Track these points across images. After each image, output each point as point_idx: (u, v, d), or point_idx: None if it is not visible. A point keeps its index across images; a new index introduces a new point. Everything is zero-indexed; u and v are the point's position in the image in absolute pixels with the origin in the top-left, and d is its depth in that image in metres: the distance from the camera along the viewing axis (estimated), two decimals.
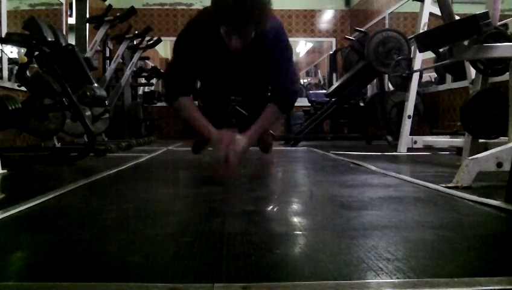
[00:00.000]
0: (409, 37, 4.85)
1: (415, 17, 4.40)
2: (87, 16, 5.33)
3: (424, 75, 5.24)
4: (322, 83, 10.11)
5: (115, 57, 5.26)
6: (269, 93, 1.97)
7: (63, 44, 3.03)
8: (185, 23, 2.09)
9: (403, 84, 4.12)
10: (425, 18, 3.78)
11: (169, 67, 2.01)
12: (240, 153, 1.82)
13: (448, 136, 4.04)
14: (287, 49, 1.97)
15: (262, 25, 1.69)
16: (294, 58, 11.02)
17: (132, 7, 4.89)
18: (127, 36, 5.29)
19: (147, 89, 7.64)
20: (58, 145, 3.73)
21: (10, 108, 2.61)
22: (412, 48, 4.41)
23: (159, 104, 7.41)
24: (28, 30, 2.85)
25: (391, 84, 4.76)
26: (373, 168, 2.49)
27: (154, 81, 7.60)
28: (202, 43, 1.83)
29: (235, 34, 1.70)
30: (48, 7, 5.75)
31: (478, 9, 2.06)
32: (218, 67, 1.96)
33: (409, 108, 3.91)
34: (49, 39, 2.87)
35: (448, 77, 5.08)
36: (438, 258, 0.88)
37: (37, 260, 0.90)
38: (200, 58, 1.90)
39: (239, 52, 1.81)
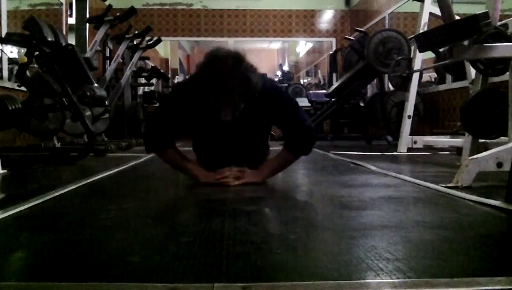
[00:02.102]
0: (409, 37, 4.85)
1: (415, 17, 4.40)
2: (87, 16, 5.33)
3: (424, 75, 5.24)
4: (322, 83, 10.11)
5: (115, 57, 5.25)
6: (284, 141, 1.93)
7: (63, 44, 3.03)
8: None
9: (403, 84, 4.11)
10: (425, 18, 3.78)
11: (152, 119, 1.95)
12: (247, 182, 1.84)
13: (448, 136, 4.03)
14: (289, 100, 1.90)
15: (249, 94, 1.64)
16: (295, 58, 10.99)
17: (132, 7, 4.89)
18: (127, 36, 5.29)
19: (147, 89, 7.64)
20: (58, 145, 3.73)
21: (10, 108, 2.61)
22: (412, 48, 4.41)
23: (159, 104, 7.40)
24: (28, 30, 2.85)
25: (391, 84, 4.76)
26: (373, 168, 2.49)
27: (154, 81, 7.59)
28: (191, 108, 1.78)
29: (223, 103, 1.65)
30: (48, 7, 5.75)
31: (478, 9, 2.06)
32: (208, 131, 1.92)
33: (409, 108, 3.91)
34: (49, 39, 2.88)
35: (448, 77, 5.07)
36: (438, 258, 0.88)
37: (37, 260, 0.90)
38: (187, 120, 1.86)
39: (231, 122, 1.76)
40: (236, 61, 1.61)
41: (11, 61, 4.39)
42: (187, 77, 11.32)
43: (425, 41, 2.48)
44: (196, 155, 2.12)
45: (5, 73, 4.22)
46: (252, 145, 1.99)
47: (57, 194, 1.63)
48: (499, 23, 2.28)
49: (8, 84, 4.11)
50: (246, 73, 1.61)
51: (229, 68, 1.58)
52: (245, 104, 1.70)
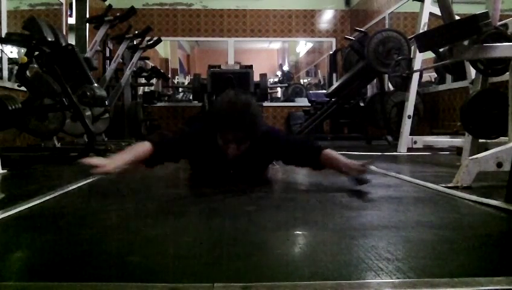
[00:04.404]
0: (409, 37, 4.84)
1: (415, 17, 4.40)
2: (87, 16, 5.33)
3: (424, 75, 5.23)
4: (322, 83, 10.10)
5: (115, 57, 5.25)
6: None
7: (63, 44, 3.03)
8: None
9: (403, 84, 4.11)
10: (425, 18, 3.78)
11: (163, 139, 2.05)
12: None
13: (448, 136, 4.03)
14: (287, 141, 2.08)
15: (255, 131, 1.82)
16: (295, 58, 11.00)
17: (132, 7, 4.89)
18: (127, 36, 5.29)
19: (147, 89, 7.64)
20: (58, 145, 3.73)
21: (10, 108, 2.61)
22: (412, 48, 4.41)
23: (159, 104, 7.41)
24: (28, 30, 2.85)
25: (391, 84, 4.76)
26: (373, 168, 2.49)
27: (154, 81, 7.59)
28: (198, 147, 1.91)
29: (231, 139, 1.80)
30: (47, 7, 5.75)
31: (478, 9, 2.06)
32: (211, 169, 2.04)
33: (409, 108, 3.91)
34: (49, 39, 2.87)
35: (448, 77, 5.07)
36: (438, 258, 0.88)
37: (37, 260, 0.90)
38: (193, 155, 1.99)
39: (235, 161, 1.90)
40: (247, 103, 1.82)
41: (11, 61, 4.39)
42: (188, 77, 11.41)
43: (425, 41, 2.48)
44: (191, 170, 2.17)
45: (5, 73, 4.22)
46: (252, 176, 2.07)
47: (57, 194, 1.63)
48: (499, 23, 2.28)
49: (8, 84, 4.11)
50: (253, 115, 1.80)
51: (239, 108, 1.78)
52: (249, 145, 1.85)
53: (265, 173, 2.24)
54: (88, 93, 3.15)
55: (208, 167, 2.02)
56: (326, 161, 1.94)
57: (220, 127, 1.81)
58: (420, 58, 3.97)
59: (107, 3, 4.85)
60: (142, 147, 1.86)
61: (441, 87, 5.24)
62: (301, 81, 11.73)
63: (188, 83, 10.04)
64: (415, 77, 3.93)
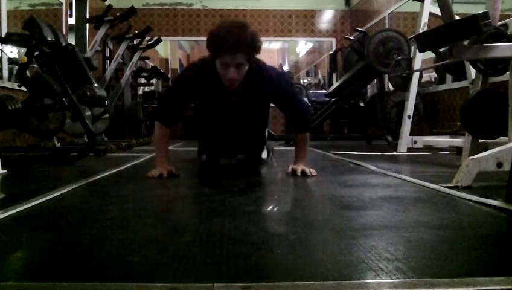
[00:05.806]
0: (409, 37, 4.85)
1: (415, 17, 4.40)
2: (87, 16, 5.32)
3: (424, 75, 5.23)
4: (322, 83, 10.10)
5: (115, 57, 5.25)
6: (292, 123, 2.32)
7: (63, 44, 3.03)
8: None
9: (403, 84, 4.11)
10: (425, 18, 3.78)
11: (165, 96, 2.27)
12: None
13: (448, 136, 4.04)
14: (289, 85, 2.25)
15: (252, 52, 1.87)
16: (294, 58, 10.98)
17: (132, 7, 4.88)
18: (127, 36, 5.29)
19: (147, 89, 7.64)
20: (58, 145, 3.73)
21: (10, 108, 2.61)
22: (412, 48, 4.41)
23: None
24: (28, 30, 2.85)
25: (391, 84, 4.77)
26: (373, 168, 2.49)
27: (154, 81, 7.59)
28: (199, 83, 2.00)
29: (229, 62, 1.85)
30: (48, 7, 5.75)
31: (478, 9, 2.06)
32: (214, 106, 2.15)
33: (409, 108, 3.91)
34: (49, 39, 2.87)
35: (448, 77, 5.07)
36: (438, 258, 0.88)
37: (37, 260, 0.90)
38: (195, 97, 2.11)
39: (236, 91, 2.00)
40: (243, 24, 1.89)
41: (11, 61, 4.39)
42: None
43: (425, 41, 2.48)
44: (199, 141, 2.26)
45: (5, 73, 4.22)
46: (252, 131, 2.12)
47: (57, 194, 1.63)
48: (499, 23, 2.28)
49: (8, 84, 4.11)
50: (250, 35, 1.84)
51: (236, 26, 1.85)
52: (248, 78, 1.93)
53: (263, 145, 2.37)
54: (88, 93, 3.14)
55: (210, 102, 2.11)
56: (298, 141, 2.24)
57: (219, 51, 1.84)
58: (420, 58, 3.97)
59: (107, 3, 4.85)
60: (162, 134, 2.08)
61: (441, 87, 5.24)
62: (301, 81, 11.72)
63: None
64: (415, 77, 3.93)
